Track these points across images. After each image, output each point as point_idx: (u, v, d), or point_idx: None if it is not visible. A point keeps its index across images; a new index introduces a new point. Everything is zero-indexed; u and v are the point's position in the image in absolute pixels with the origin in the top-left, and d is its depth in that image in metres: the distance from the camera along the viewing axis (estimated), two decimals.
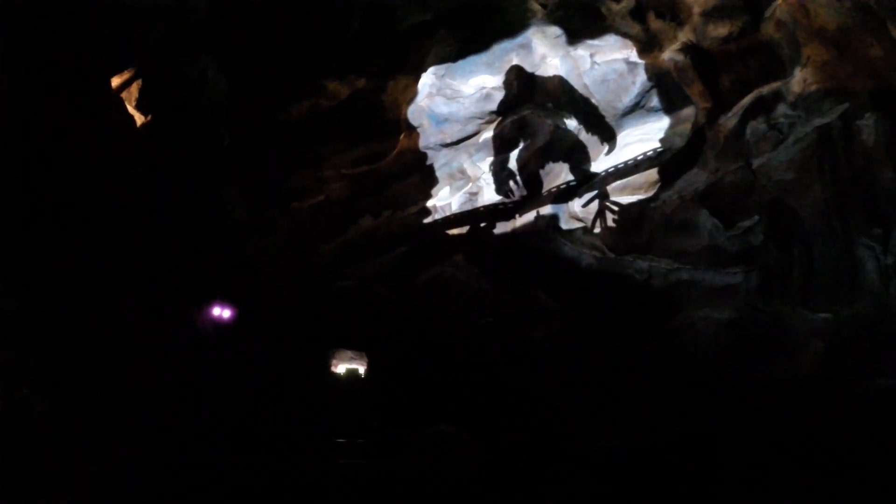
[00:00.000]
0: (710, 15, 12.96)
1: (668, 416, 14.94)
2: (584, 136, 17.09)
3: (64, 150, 10.52)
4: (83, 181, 10.86)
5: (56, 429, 9.30)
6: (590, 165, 17.39)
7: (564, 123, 17.10)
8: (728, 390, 13.94)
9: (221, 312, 13.43)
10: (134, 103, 12.09)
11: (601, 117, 16.53)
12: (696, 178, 15.09)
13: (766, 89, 13.42)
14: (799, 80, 12.63)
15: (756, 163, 13.87)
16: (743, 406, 13.43)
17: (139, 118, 12.24)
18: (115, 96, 11.71)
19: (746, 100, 13.70)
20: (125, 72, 11.78)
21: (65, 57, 10.58)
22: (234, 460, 10.53)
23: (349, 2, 14.34)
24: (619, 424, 15.71)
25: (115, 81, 11.68)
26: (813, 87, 12.48)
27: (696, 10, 12.99)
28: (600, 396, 16.38)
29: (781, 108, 13.28)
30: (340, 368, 15.52)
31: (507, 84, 16.64)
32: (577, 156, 17.47)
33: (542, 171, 17.92)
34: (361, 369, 15.49)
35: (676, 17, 13.46)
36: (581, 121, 16.85)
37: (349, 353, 15.51)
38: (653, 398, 15.45)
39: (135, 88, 12.07)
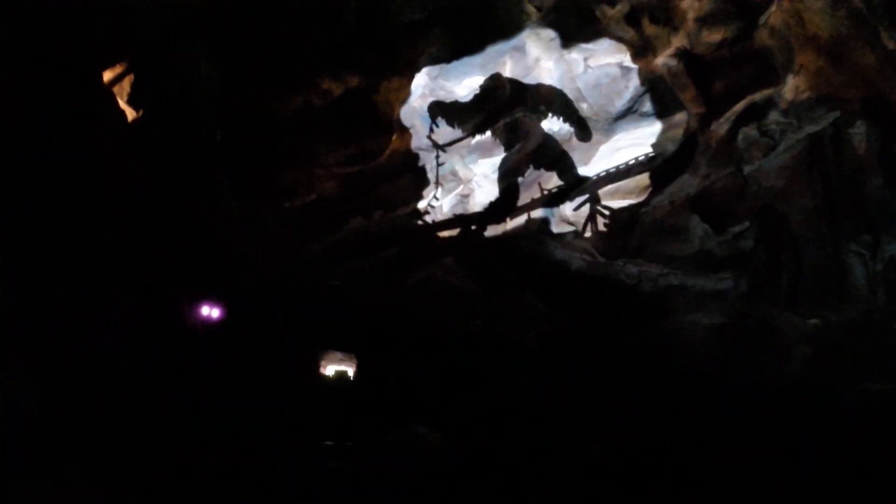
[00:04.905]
0: (704, 21, 12.92)
1: (657, 419, 14.98)
2: (576, 140, 17.11)
3: (55, 144, 10.39)
4: (74, 176, 10.72)
5: (43, 424, 9.16)
6: (580, 169, 17.44)
7: (556, 127, 17.11)
8: (716, 393, 14.02)
9: (210, 310, 13.30)
10: (126, 98, 11.92)
11: (594, 121, 16.54)
12: (687, 184, 15.11)
13: (758, 96, 13.40)
14: (791, 87, 12.66)
15: (747, 169, 13.96)
16: (731, 409, 13.51)
17: (131, 113, 12.08)
18: (107, 90, 11.55)
19: (739, 106, 13.65)
20: (117, 66, 11.64)
21: (57, 50, 10.44)
22: (220, 460, 10.40)
23: None
24: (607, 427, 15.73)
25: (107, 76, 11.54)
26: (805, 95, 12.54)
27: (691, 15, 12.97)
28: (588, 399, 16.38)
29: (773, 115, 13.30)
30: (329, 370, 15.37)
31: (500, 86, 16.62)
32: (568, 159, 17.49)
33: (532, 175, 17.94)
34: (350, 371, 15.36)
35: (671, 22, 13.40)
36: (573, 124, 16.83)
37: (338, 355, 15.37)
38: (642, 401, 15.49)
39: (126, 83, 11.92)
